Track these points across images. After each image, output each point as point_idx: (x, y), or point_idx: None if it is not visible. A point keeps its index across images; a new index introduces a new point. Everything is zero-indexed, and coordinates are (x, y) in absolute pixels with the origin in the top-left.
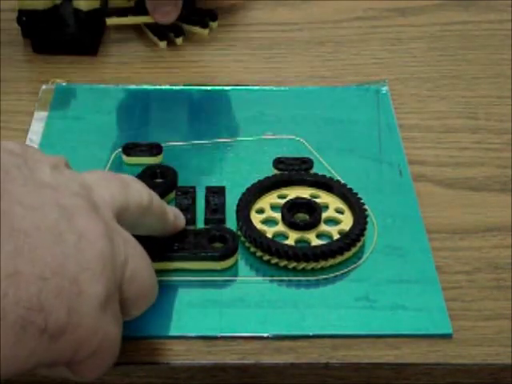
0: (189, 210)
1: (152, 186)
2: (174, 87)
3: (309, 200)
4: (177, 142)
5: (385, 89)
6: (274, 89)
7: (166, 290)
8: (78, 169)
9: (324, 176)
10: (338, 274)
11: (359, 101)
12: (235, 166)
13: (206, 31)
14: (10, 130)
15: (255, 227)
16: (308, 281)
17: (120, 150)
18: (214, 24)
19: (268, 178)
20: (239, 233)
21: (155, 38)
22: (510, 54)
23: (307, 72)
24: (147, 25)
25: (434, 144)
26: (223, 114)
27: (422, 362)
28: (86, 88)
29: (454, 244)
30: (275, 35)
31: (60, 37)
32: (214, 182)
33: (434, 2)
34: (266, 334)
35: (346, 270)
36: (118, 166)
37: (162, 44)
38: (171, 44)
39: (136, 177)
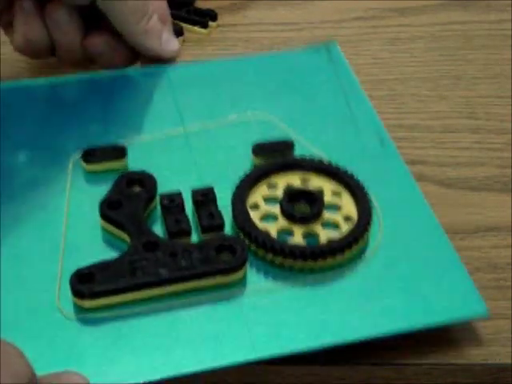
0: (181, 221)
1: (130, 196)
2: (104, 73)
3: (306, 189)
4: (136, 136)
5: (336, 48)
6: (219, 61)
7: (183, 319)
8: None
9: (316, 159)
10: (358, 265)
11: (313, 64)
12: (211, 159)
13: (205, 31)
14: None
15: (261, 230)
16: (331, 279)
17: (78, 157)
18: (213, 24)
19: (257, 169)
20: (241, 237)
21: None
22: (510, 53)
23: None
24: None
25: (434, 144)
26: (174, 97)
27: (422, 361)
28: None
29: (455, 244)
30: (275, 35)
31: None
32: (193, 180)
33: (434, 1)
34: (304, 348)
35: (363, 258)
36: (79, 176)
37: None
38: None
39: (110, 189)
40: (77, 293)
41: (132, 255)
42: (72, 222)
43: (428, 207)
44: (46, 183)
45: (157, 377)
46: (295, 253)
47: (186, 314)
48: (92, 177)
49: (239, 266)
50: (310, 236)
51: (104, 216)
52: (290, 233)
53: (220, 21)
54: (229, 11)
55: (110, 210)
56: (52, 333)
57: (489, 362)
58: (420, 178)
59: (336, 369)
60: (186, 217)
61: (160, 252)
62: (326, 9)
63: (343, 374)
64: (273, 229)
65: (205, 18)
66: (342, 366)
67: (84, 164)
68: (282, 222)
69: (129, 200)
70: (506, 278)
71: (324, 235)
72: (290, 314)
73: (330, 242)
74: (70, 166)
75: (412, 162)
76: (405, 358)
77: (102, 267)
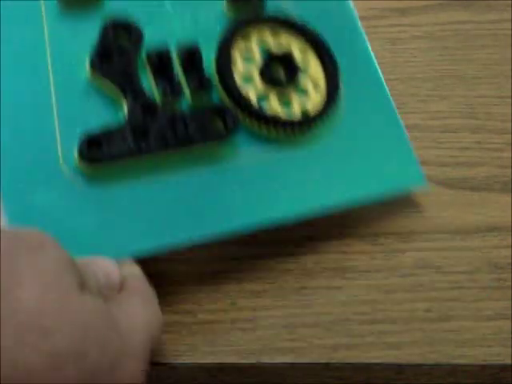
0: (173, 82)
1: (119, 49)
2: None
3: (282, 52)
4: None
5: None
6: None
7: (178, 188)
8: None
9: (288, 16)
10: (323, 136)
11: None
12: (185, 5)
13: None
14: None
15: (246, 97)
16: (304, 148)
17: None
18: None
19: (232, 25)
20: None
21: None
22: (511, 53)
23: None
24: None
25: (435, 144)
26: None
27: (422, 362)
28: None
29: (455, 244)
30: None
31: None
32: (165, 31)
33: (435, 1)
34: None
35: (328, 130)
36: (54, 18)
37: None
38: None
39: (97, 40)
40: (86, 158)
41: (132, 121)
42: (58, 74)
43: (382, 80)
44: (20, 23)
45: (157, 244)
46: (280, 122)
47: (179, 182)
48: (68, 18)
49: (231, 132)
50: (285, 102)
51: (95, 69)
52: (266, 96)
53: None
54: None
55: (101, 63)
56: (57, 197)
57: (489, 362)
58: None
59: (335, 369)
60: (176, 77)
61: (158, 117)
62: None
63: (343, 374)
64: (252, 93)
65: None
66: (341, 366)
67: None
68: (258, 84)
69: (118, 53)
70: (506, 279)
71: (297, 102)
72: (271, 181)
73: (307, 112)
74: (42, 4)
75: None
76: (405, 358)
77: (107, 133)
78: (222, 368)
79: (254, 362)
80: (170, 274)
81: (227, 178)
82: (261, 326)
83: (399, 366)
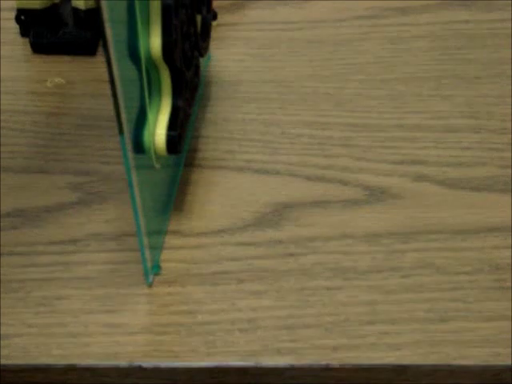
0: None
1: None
2: None
3: None
4: None
5: None
6: None
7: None
8: None
9: None
10: None
11: None
12: None
13: None
14: (8, 129)
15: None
16: None
17: None
18: (213, 23)
19: None
20: None
21: None
22: (511, 53)
23: (307, 71)
24: None
25: (436, 144)
26: None
27: (422, 363)
28: None
29: (456, 244)
30: (275, 34)
31: (59, 36)
32: None
33: (436, 1)
34: None
35: None
36: None
37: None
38: None
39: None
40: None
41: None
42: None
43: None
44: None
45: None
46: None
47: None
48: None
49: None
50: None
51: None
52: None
53: (220, 20)
54: (229, 10)
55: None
56: None
57: (490, 363)
58: (421, 178)
59: (336, 370)
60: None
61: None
62: (326, 8)
63: (343, 375)
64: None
65: None
66: (342, 367)
67: None
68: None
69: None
70: (506, 279)
71: None
72: None
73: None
74: None
75: (413, 162)
76: (406, 359)
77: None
78: (221, 369)
79: (254, 362)
80: (170, 273)
81: None
82: (261, 326)
83: (400, 366)
